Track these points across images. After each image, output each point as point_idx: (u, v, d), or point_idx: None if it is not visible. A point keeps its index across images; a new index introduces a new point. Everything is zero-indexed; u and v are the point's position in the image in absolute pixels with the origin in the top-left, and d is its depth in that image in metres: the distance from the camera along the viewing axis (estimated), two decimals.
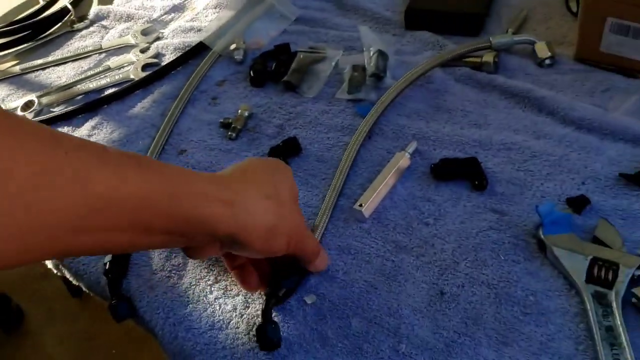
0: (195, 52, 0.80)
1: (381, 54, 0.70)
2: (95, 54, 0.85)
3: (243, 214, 0.42)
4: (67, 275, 0.62)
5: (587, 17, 0.64)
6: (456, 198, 0.56)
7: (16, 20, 0.91)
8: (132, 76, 0.78)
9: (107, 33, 0.88)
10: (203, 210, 0.40)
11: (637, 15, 0.60)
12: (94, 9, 0.93)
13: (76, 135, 0.71)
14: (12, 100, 0.79)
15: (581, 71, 0.66)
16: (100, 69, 0.81)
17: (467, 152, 0.60)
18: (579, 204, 0.53)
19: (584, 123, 0.60)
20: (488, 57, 0.68)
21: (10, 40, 0.89)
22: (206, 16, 0.87)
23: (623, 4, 0.60)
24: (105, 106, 0.75)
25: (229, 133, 0.67)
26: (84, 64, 0.83)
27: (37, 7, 0.93)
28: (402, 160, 0.59)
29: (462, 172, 0.58)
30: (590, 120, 0.60)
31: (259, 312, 0.50)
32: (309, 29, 0.81)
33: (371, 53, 0.71)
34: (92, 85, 0.78)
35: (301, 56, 0.75)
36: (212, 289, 0.54)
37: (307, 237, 0.50)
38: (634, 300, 0.45)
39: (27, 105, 0.76)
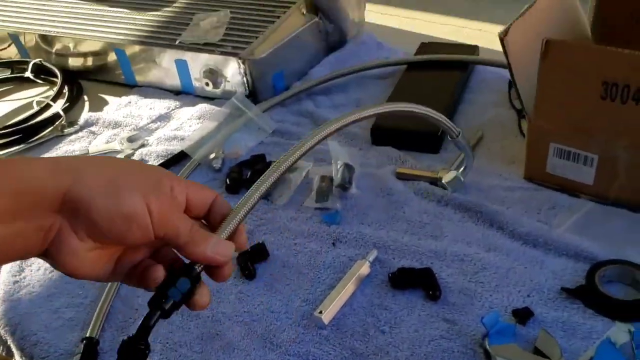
0: (176, 160, 0.85)
1: (347, 167, 0.76)
2: None
3: (75, 171, 0.40)
4: None
5: (532, 141, 0.71)
6: (411, 307, 0.60)
7: (8, 125, 0.97)
8: None
9: (95, 139, 0.94)
10: (30, 172, 0.38)
11: (576, 142, 0.67)
12: (85, 115, 1.00)
13: None
14: None
15: (530, 189, 0.72)
16: None
17: (424, 262, 0.65)
18: (523, 315, 0.57)
19: (530, 238, 0.65)
20: (443, 174, 0.74)
21: (1, 143, 0.94)
22: (190, 126, 0.94)
23: (564, 131, 0.67)
24: None
25: None
26: None
27: (31, 111, 0.99)
28: (363, 268, 0.63)
29: (418, 282, 0.62)
30: (536, 236, 0.65)
31: None
32: (284, 141, 0.88)
33: (338, 165, 0.76)
34: None
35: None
36: None
37: (178, 214, 0.43)
38: None
39: None
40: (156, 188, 0.41)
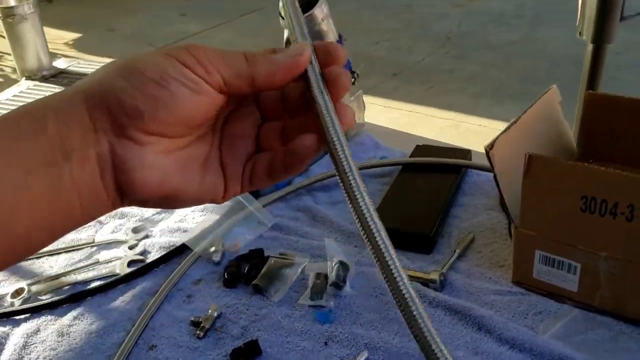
0: (178, 252, 0.89)
1: (343, 265, 0.79)
2: (88, 246, 0.93)
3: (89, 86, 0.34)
4: None
5: (519, 247, 0.74)
6: None
7: None
8: (117, 271, 0.86)
9: (101, 228, 0.98)
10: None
11: (560, 251, 0.70)
12: None
13: (57, 324, 0.77)
14: (4, 286, 0.86)
15: (517, 294, 0.75)
16: (90, 261, 0.89)
17: None
18: None
19: (516, 343, 0.67)
20: (434, 275, 0.77)
21: None
22: (193, 218, 0.98)
23: (548, 240, 0.71)
24: (89, 298, 0.81)
25: (198, 332, 0.73)
26: (76, 256, 0.91)
27: None
28: None
29: None
30: (522, 341, 0.66)
31: None
32: (282, 235, 0.91)
33: (334, 263, 0.79)
34: (79, 277, 0.85)
35: (272, 261, 0.83)
36: None
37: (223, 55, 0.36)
38: None
39: (17, 292, 0.83)
40: (184, 46, 0.35)
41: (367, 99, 1.19)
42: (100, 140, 0.34)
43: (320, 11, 0.96)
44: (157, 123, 0.34)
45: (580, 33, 1.35)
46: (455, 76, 3.92)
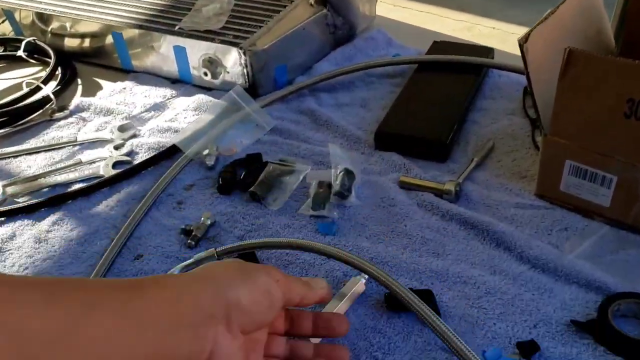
0: (168, 154, 0.81)
1: (348, 173, 0.71)
2: (69, 145, 0.85)
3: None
4: None
5: (547, 157, 0.66)
6: (407, 332, 0.55)
7: None
8: (101, 172, 0.79)
9: (84, 125, 0.89)
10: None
11: (594, 161, 0.62)
12: (76, 100, 0.95)
13: (35, 230, 0.70)
14: None
15: (541, 207, 0.67)
16: (71, 162, 0.81)
17: (424, 282, 0.60)
18: (528, 349, 0.52)
19: (539, 263, 0.60)
20: (449, 186, 0.69)
21: None
22: (185, 117, 0.89)
23: (582, 149, 0.62)
24: (70, 202, 0.74)
25: (189, 241, 0.67)
26: (56, 155, 0.83)
27: (20, 93, 0.95)
28: (358, 285, 0.59)
29: None
30: (545, 261, 0.60)
31: None
32: (282, 140, 0.83)
33: (338, 171, 0.72)
34: (59, 178, 0.78)
35: (270, 167, 0.76)
36: None
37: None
38: None
39: None
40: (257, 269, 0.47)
41: None
42: None
43: None
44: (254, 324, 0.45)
45: None
46: None
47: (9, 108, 0.92)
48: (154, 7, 1.02)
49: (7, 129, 0.91)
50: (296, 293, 0.48)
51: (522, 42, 0.60)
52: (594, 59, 0.57)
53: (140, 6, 1.03)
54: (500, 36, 3.04)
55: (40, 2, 1.08)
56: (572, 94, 0.60)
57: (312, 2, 0.98)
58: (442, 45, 0.94)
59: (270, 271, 0.47)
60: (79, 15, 1.03)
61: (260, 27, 0.93)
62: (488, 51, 0.92)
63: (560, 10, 0.66)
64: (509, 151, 0.77)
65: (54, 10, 1.05)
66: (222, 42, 0.91)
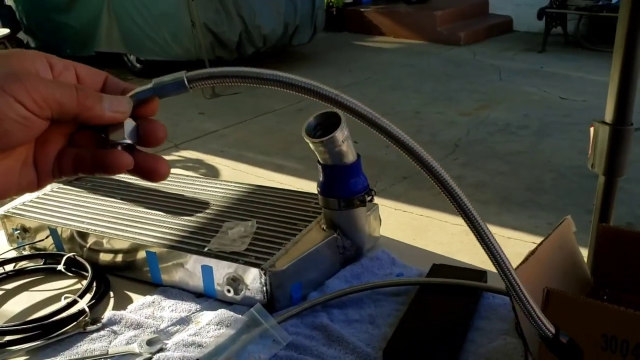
0: None
1: None
2: (101, 358, 0.92)
3: None
4: None
5: None
6: None
7: (30, 320, 1.01)
8: None
9: (115, 338, 0.97)
10: None
11: None
12: (108, 313, 1.04)
13: None
14: None
15: None
16: None
17: None
18: None
19: None
20: None
21: (21, 337, 0.97)
22: (208, 332, 0.97)
23: None
24: None
25: None
26: None
27: (57, 306, 1.04)
28: None
29: None
30: None
31: None
32: (297, 355, 0.90)
33: None
34: None
35: None
36: None
37: (58, 89, 0.41)
38: None
39: None
40: (17, 73, 0.39)
41: (378, 201, 1.21)
42: None
43: (341, 134, 1.01)
44: None
45: (592, 165, 1.39)
46: (464, 183, 3.99)
47: (44, 322, 1.00)
48: (185, 228, 1.16)
49: (41, 341, 0.98)
50: (65, 108, 0.41)
51: None
52: (568, 299, 0.68)
53: (172, 227, 1.17)
54: (498, 240, 3.22)
55: (83, 222, 1.22)
56: None
57: (324, 227, 1.12)
58: (441, 268, 1.05)
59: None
60: (116, 234, 1.16)
61: (279, 249, 1.05)
62: (482, 274, 1.03)
63: (539, 249, 0.78)
64: None
65: (93, 230, 1.19)
66: (245, 262, 1.02)
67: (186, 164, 4.68)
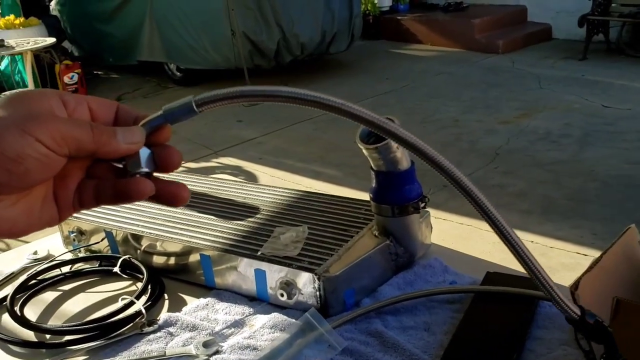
0: None
1: None
2: (159, 359, 0.94)
3: None
4: None
5: None
6: None
7: (90, 320, 1.03)
8: None
9: (172, 340, 0.99)
10: None
11: None
12: (164, 315, 1.06)
13: None
14: None
15: None
16: None
17: None
18: None
19: None
20: None
21: (80, 338, 1.00)
22: (262, 335, 0.98)
23: None
24: None
25: None
26: None
27: (114, 307, 1.06)
28: None
29: None
30: None
31: None
32: None
33: None
34: None
35: None
36: None
37: (75, 127, 0.42)
38: None
39: None
40: (35, 114, 0.41)
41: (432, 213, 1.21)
42: None
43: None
44: (9, 189, 0.40)
45: None
46: (505, 192, 3.93)
47: (102, 322, 1.02)
48: (238, 232, 1.17)
49: (100, 341, 1.01)
50: (82, 145, 0.43)
51: (573, 289, 0.70)
52: (638, 309, 0.66)
53: (225, 230, 1.18)
54: (540, 250, 3.17)
55: (138, 225, 1.24)
56: (623, 339, 0.68)
57: (377, 234, 1.12)
58: (495, 276, 1.04)
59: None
60: (169, 237, 1.18)
61: (332, 254, 1.05)
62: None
63: (604, 258, 0.77)
64: None
65: (149, 233, 1.21)
66: (299, 267, 1.03)
67: (225, 171, 4.73)
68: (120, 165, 0.48)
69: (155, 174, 0.48)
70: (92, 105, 0.45)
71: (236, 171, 4.73)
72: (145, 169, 0.47)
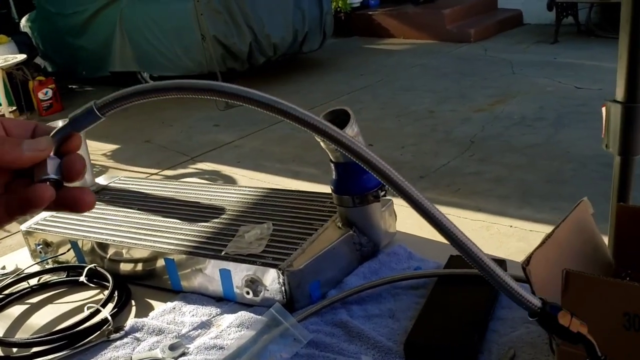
0: None
1: None
2: None
3: None
4: None
5: None
6: None
7: (56, 331, 1.02)
8: None
9: (138, 345, 0.98)
10: None
11: None
12: (130, 321, 1.05)
13: None
14: None
15: None
16: None
17: None
18: None
19: None
20: None
21: (48, 348, 0.99)
22: (229, 334, 0.98)
23: None
24: None
25: None
26: None
27: (81, 316, 1.05)
28: None
29: None
30: None
31: None
32: (319, 352, 0.90)
33: None
34: None
35: None
36: None
37: None
38: None
39: None
40: None
41: (395, 202, 1.21)
42: None
43: (351, 130, 1.01)
44: None
45: (606, 146, 1.38)
46: (482, 178, 3.96)
47: (68, 332, 1.01)
48: (202, 234, 1.16)
49: (67, 351, 1.00)
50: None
51: (525, 265, 0.70)
52: (588, 279, 0.67)
53: (189, 233, 1.17)
54: (519, 234, 3.19)
55: (102, 233, 1.23)
56: (575, 309, 0.68)
57: (340, 225, 1.12)
58: (458, 259, 1.05)
59: None
60: (134, 243, 1.17)
61: (296, 249, 1.05)
62: (501, 263, 1.02)
63: (556, 232, 0.77)
64: (529, 359, 0.83)
65: (113, 240, 1.20)
66: (263, 264, 1.02)
67: (203, 176, 4.71)
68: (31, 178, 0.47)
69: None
70: (7, 124, 0.47)
71: (214, 176, 4.71)
72: (52, 176, 0.46)
